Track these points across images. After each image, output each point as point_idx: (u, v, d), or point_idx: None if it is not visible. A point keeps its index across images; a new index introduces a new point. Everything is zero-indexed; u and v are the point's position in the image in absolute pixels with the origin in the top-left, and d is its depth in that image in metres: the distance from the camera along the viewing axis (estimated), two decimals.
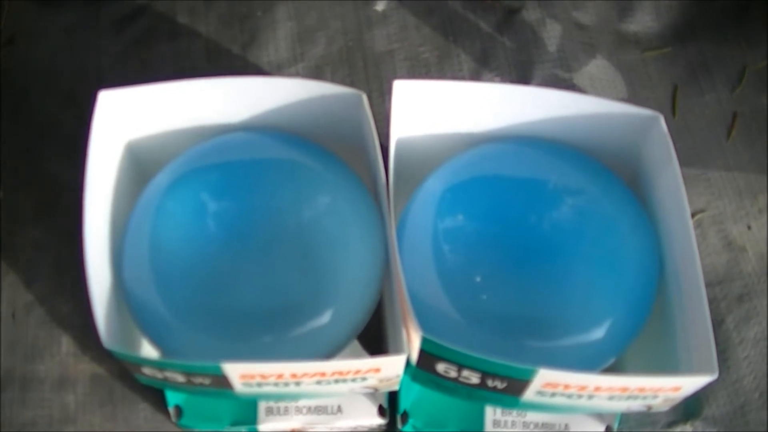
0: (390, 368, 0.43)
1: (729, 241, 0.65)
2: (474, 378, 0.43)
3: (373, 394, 0.52)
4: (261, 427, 0.52)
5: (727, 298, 0.63)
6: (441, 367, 0.43)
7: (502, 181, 0.51)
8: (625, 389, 0.42)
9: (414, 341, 0.43)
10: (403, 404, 0.52)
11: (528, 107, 0.51)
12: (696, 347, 0.44)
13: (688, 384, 0.42)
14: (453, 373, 0.43)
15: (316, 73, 0.70)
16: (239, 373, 0.42)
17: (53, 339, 0.62)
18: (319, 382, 0.44)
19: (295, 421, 0.52)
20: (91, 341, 0.62)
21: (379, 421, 0.52)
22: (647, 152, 0.51)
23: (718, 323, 0.63)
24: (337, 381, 0.44)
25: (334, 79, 0.70)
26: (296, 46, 0.72)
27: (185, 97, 0.51)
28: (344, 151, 0.52)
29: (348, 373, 0.43)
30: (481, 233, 0.49)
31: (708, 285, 0.63)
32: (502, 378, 0.42)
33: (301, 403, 0.52)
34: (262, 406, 0.52)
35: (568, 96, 0.50)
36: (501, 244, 0.49)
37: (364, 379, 0.44)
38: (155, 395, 0.60)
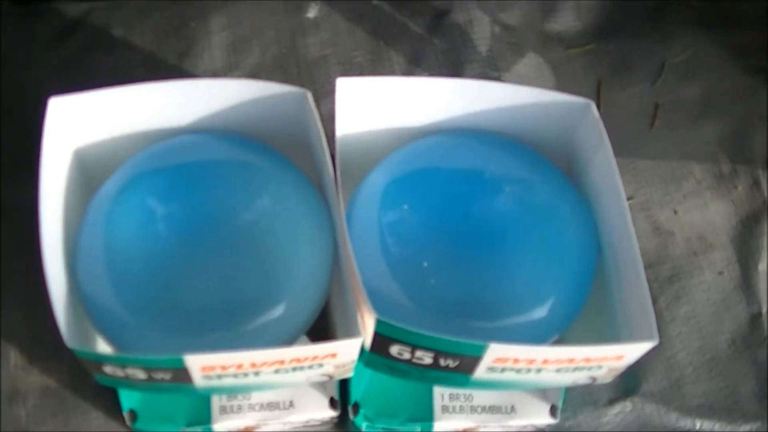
0: (346, 352, 0.44)
1: (657, 225, 0.68)
2: (427, 358, 0.44)
3: (324, 387, 0.53)
4: (215, 426, 0.52)
5: (658, 280, 0.66)
6: (395, 350, 0.45)
7: (443, 171, 0.52)
8: (571, 360, 0.44)
9: (368, 326, 0.44)
10: (354, 395, 0.53)
11: (466, 100, 0.52)
12: (635, 317, 0.46)
13: (630, 351, 0.44)
14: (406, 355, 0.45)
15: None
16: (200, 365, 0.43)
17: (0, 353, 0.62)
18: (277, 371, 0.44)
19: (249, 419, 0.52)
20: (39, 354, 0.61)
21: (331, 413, 0.53)
22: (580, 138, 0.52)
23: None
24: (294, 369, 0.44)
25: None
26: (231, 54, 0.72)
27: (133, 102, 0.51)
28: (290, 150, 0.53)
29: (306, 359, 0.44)
30: (425, 222, 0.51)
31: None
32: (454, 356, 0.44)
33: (254, 400, 0.53)
34: (216, 405, 0.53)
35: (503, 87, 0.52)
36: (445, 231, 0.50)
37: (320, 365, 0.45)
38: (107, 403, 0.60)
